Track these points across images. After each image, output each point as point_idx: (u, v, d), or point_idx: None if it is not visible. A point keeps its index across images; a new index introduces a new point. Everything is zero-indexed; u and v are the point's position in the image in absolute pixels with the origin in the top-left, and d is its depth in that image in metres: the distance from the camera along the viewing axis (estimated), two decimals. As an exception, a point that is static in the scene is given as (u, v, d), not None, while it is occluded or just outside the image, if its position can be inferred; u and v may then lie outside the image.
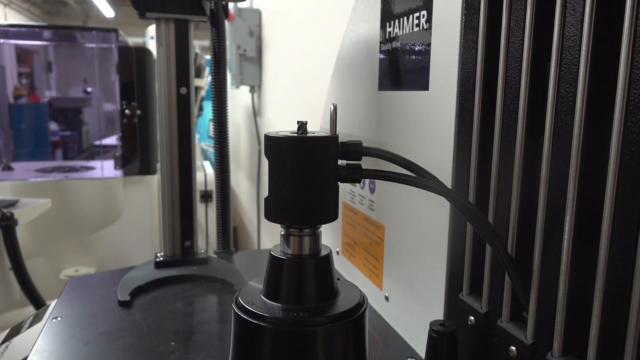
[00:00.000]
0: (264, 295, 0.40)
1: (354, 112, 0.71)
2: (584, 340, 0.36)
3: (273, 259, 0.40)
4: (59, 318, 0.64)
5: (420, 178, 0.38)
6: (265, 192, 2.09)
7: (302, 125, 0.38)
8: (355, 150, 0.39)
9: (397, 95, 0.59)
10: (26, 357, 0.56)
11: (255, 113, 2.24)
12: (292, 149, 0.37)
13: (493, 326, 0.44)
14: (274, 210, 0.39)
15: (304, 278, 0.39)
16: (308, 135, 0.38)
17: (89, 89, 1.81)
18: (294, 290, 0.39)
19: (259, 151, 2.14)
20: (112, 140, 1.77)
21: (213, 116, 0.90)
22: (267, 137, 0.38)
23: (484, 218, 0.38)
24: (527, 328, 0.40)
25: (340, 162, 0.39)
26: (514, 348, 0.41)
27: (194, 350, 0.56)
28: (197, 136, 1.83)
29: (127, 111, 1.64)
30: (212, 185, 1.90)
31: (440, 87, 0.51)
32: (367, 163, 0.42)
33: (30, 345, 0.62)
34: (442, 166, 0.51)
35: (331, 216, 0.39)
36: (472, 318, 0.46)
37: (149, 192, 1.76)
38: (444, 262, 0.51)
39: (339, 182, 0.39)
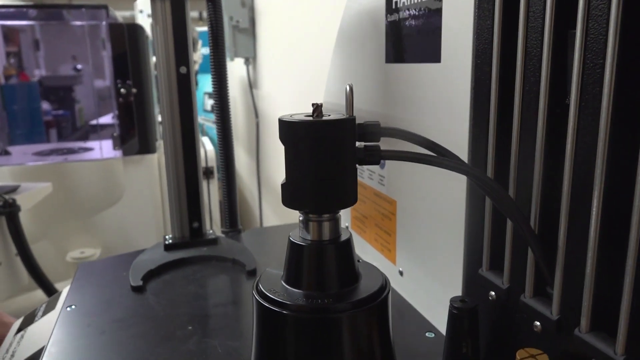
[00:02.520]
0: (284, 282, 0.40)
1: (360, 86, 0.69)
2: (612, 314, 0.35)
3: (293, 246, 0.39)
4: (73, 307, 0.63)
5: (441, 157, 0.37)
6: (265, 165, 2.08)
7: (317, 108, 0.37)
8: (373, 131, 0.38)
9: (406, 68, 0.57)
10: (43, 348, 0.56)
11: (252, 85, 2.21)
12: (309, 134, 0.36)
13: (516, 302, 0.43)
14: (291, 196, 0.38)
15: (325, 264, 0.38)
16: (324, 119, 0.36)
17: (79, 66, 1.77)
18: (315, 277, 0.38)
19: (257, 123, 2.12)
20: (107, 119, 1.74)
21: (214, 92, 0.88)
22: (281, 121, 0.37)
23: (508, 197, 0.37)
24: (553, 304, 0.39)
25: (357, 143, 0.38)
26: (538, 323, 0.41)
27: (212, 333, 0.56)
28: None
29: (122, 90, 1.61)
30: (212, 162, 1.89)
31: (453, 60, 0.49)
32: (383, 142, 0.40)
33: (45, 334, 0.61)
34: (456, 141, 0.49)
35: (351, 200, 0.38)
36: (493, 293, 0.46)
37: (149, 171, 1.74)
38: (461, 237, 0.51)
39: (357, 165, 0.38)
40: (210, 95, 2.70)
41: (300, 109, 1.61)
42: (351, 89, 0.37)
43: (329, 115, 0.37)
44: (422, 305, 0.60)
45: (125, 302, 0.64)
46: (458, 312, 0.46)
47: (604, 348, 0.35)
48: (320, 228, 0.39)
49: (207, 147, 2.03)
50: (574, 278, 0.38)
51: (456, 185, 0.51)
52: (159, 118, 1.81)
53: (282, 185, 0.38)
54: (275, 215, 1.96)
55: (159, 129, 1.78)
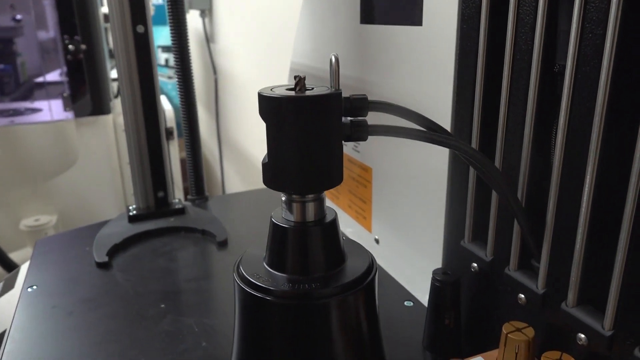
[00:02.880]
0: (267, 265, 0.38)
1: (332, 47, 0.66)
2: (601, 288, 0.35)
3: (275, 227, 0.37)
4: (34, 287, 0.60)
5: (432, 133, 0.35)
6: (225, 124, 2.02)
7: (300, 81, 0.34)
8: (360, 106, 0.35)
9: (383, 30, 0.55)
10: (5, 333, 0.52)
11: (208, 39, 2.12)
12: (293, 110, 0.33)
13: (499, 274, 0.43)
14: (274, 177, 0.35)
15: (310, 247, 0.37)
16: (309, 93, 0.33)
17: (19, 17, 1.64)
18: (300, 260, 0.37)
19: (215, 80, 2.05)
20: (55, 76, 1.64)
21: (174, 48, 0.84)
22: (262, 96, 0.34)
23: (497, 173, 0.36)
24: (539, 277, 0.39)
25: (344, 119, 0.35)
26: (523, 296, 0.41)
27: (187, 311, 0.54)
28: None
29: (70, 46, 1.51)
30: (171, 122, 1.82)
31: (436, 23, 0.47)
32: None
33: (5, 317, 0.58)
34: (438, 109, 0.48)
35: (337, 179, 0.36)
36: (476, 265, 0.46)
37: (104, 133, 1.67)
38: (442, 207, 0.50)
39: (343, 142, 0.36)
40: (164, 49, 2.58)
41: (264, 67, 1.55)
42: (337, 59, 0.34)
43: (313, 89, 0.35)
44: (400, 274, 0.60)
45: (91, 280, 0.62)
46: (440, 285, 0.45)
47: (591, 323, 0.35)
48: (304, 209, 0.37)
49: (165, 107, 1.95)
50: (561, 251, 0.37)
51: (437, 152, 0.50)
52: (113, 74, 1.72)
53: (264, 164, 0.35)
54: (238, 175, 1.92)
55: (113, 87, 1.70)
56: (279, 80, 1.13)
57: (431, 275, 0.46)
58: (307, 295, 0.35)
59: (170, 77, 2.53)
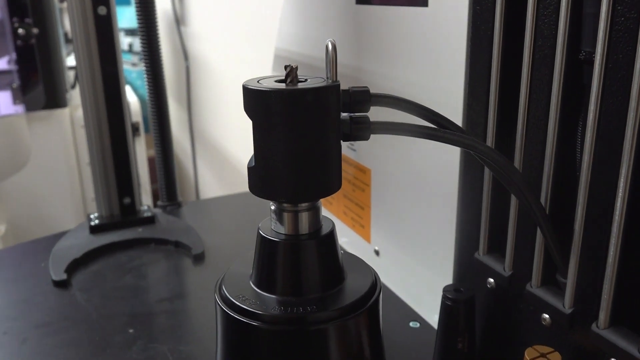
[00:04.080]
0: (254, 284, 0.37)
1: (322, 31, 0.66)
2: (634, 306, 0.35)
3: (264, 242, 0.37)
4: (-19, 310, 0.59)
5: (442, 130, 0.35)
6: (198, 117, 2.01)
7: (291, 71, 0.34)
8: (361, 99, 0.35)
9: (383, 12, 0.54)
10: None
11: (179, 21, 2.10)
12: (284, 105, 0.33)
13: (519, 291, 0.43)
14: (262, 182, 0.35)
15: (304, 264, 0.36)
16: (302, 86, 0.33)
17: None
18: (292, 279, 0.36)
19: (187, 67, 2.04)
20: (2, 64, 1.62)
21: (139, 30, 0.84)
22: (247, 90, 0.33)
23: (518, 174, 0.36)
24: (565, 294, 0.39)
25: (342, 115, 0.35)
26: (547, 316, 0.41)
27: (159, 336, 0.54)
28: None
29: (20, 30, 1.49)
30: (136, 116, 1.80)
31: (444, 3, 0.46)
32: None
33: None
34: (448, 102, 0.47)
35: (335, 185, 0.35)
36: (492, 281, 0.45)
37: (60, 129, 1.64)
38: (453, 214, 0.49)
39: (341, 141, 0.35)
40: (127, 32, 2.56)
41: (244, 53, 1.55)
42: (334, 46, 0.34)
43: (306, 81, 0.34)
44: (404, 291, 0.59)
45: (47, 301, 0.61)
46: (452, 304, 0.45)
47: (626, 346, 0.35)
48: (297, 220, 0.36)
49: (129, 99, 1.94)
50: (591, 264, 0.37)
51: (447, 152, 0.49)
52: (70, 62, 1.70)
53: (250, 168, 0.35)
54: (214, 177, 1.91)
55: (70, 76, 1.68)
56: (261, 69, 1.12)
57: (441, 293, 0.45)
58: (301, 320, 0.35)
59: (134, 64, 2.51)
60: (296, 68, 0.34)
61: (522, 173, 0.41)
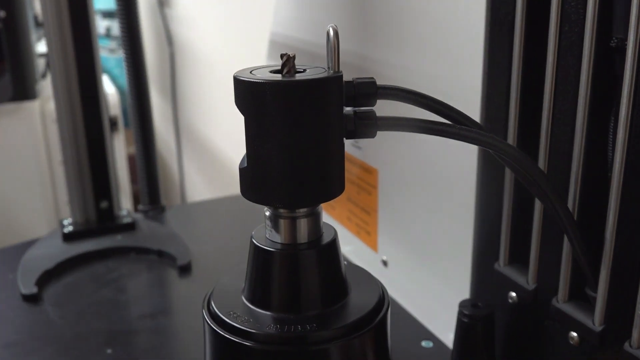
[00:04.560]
0: (246, 300, 0.38)
1: (324, 13, 0.66)
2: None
3: (258, 252, 0.37)
4: (-59, 328, 0.59)
5: (458, 127, 0.35)
6: (184, 109, 2.02)
7: (288, 60, 0.34)
8: (366, 92, 0.35)
9: (391, -8, 0.55)
10: None
11: (162, 3, 2.11)
12: (280, 99, 0.33)
13: (545, 306, 0.43)
14: (255, 185, 0.35)
15: (302, 276, 0.37)
16: (301, 77, 0.33)
17: None
18: (290, 294, 0.37)
19: (171, 54, 2.04)
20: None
21: (118, 12, 0.85)
22: (239, 81, 0.34)
23: (541, 173, 0.36)
24: (595, 310, 0.39)
25: (345, 109, 0.35)
26: (574, 334, 0.41)
27: (141, 357, 0.54)
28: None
29: (-17, 12, 1.49)
30: (115, 109, 1.81)
31: (460, -16, 0.47)
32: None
33: None
34: (463, 95, 0.48)
35: (337, 189, 0.36)
36: (514, 295, 0.46)
37: (29, 123, 1.65)
38: (470, 219, 0.50)
39: (344, 139, 0.36)
40: (105, 14, 2.56)
41: (235, 38, 1.55)
42: (336, 32, 0.34)
43: (305, 71, 0.35)
44: (415, 306, 0.60)
45: (16, 317, 0.61)
46: (469, 321, 0.45)
47: (664, 368, 0.35)
48: (295, 227, 0.37)
49: (107, 90, 1.95)
50: (625, 277, 0.37)
51: (463, 151, 0.50)
52: (40, 48, 1.71)
53: (242, 170, 0.35)
54: (202, 178, 1.92)
55: (40, 64, 1.68)
56: (256, 56, 1.12)
57: (457, 308, 0.46)
58: (300, 340, 0.35)
59: (112, 51, 2.52)
60: (293, 57, 0.34)
61: (547, 174, 0.41)
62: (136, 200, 2.03)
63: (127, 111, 0.92)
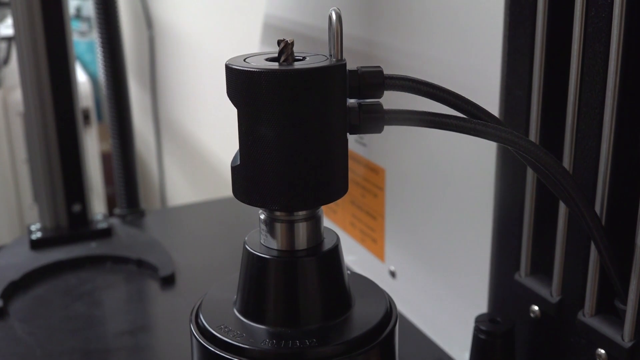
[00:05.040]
0: (239, 312, 0.38)
1: (325, -6, 0.67)
2: None
3: (251, 258, 0.38)
4: None
5: (474, 121, 0.36)
6: (164, 100, 2.02)
7: (286, 47, 0.35)
8: (373, 82, 0.36)
9: (400, -29, 0.56)
10: None
11: (141, -20, 2.12)
12: (277, 90, 0.34)
13: (570, 321, 0.44)
14: (249, 185, 0.36)
15: (301, 287, 0.37)
16: (300, 66, 0.34)
17: None
18: (287, 306, 0.37)
19: (150, 38, 2.04)
20: None
21: None
22: (232, 70, 0.35)
23: (569, 176, 0.37)
24: (625, 325, 0.40)
25: (349, 102, 0.36)
26: (602, 351, 0.42)
27: (119, 379, 0.55)
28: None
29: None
30: (87, 100, 1.81)
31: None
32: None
33: None
34: (479, 87, 0.48)
35: (339, 189, 0.36)
36: (537, 308, 0.46)
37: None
38: (487, 226, 0.51)
39: (348, 134, 0.36)
40: (76, -7, 2.57)
41: (224, 21, 1.55)
42: (338, 16, 0.35)
43: (304, 59, 0.35)
44: (427, 321, 0.60)
45: (-22, 334, 0.62)
46: (487, 337, 0.46)
47: (700, 388, 0.36)
48: (293, 232, 0.37)
49: (79, 78, 1.95)
50: (658, 289, 0.38)
51: (480, 148, 0.50)
52: (3, 30, 1.71)
53: (234, 168, 0.36)
54: (186, 179, 1.92)
55: (1, 49, 1.69)
56: (248, 42, 1.13)
57: (473, 324, 0.46)
58: (298, 357, 0.35)
59: (83, 34, 2.52)
60: (292, 43, 0.35)
61: (573, 174, 0.42)
62: (110, 203, 2.04)
63: (100, 102, 0.93)
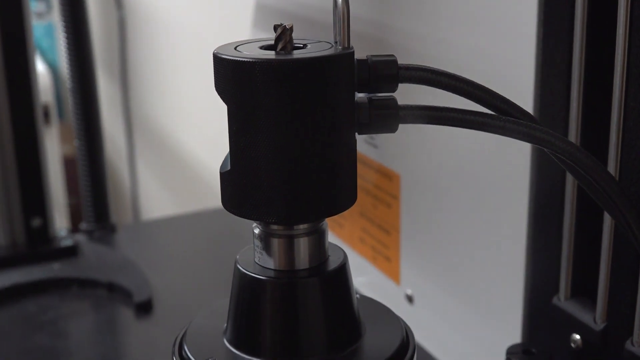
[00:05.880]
0: (230, 343, 0.39)
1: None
2: None
3: (244, 280, 0.38)
4: None
5: (504, 118, 0.37)
6: (136, 93, 2.02)
7: (283, 33, 0.35)
8: (385, 74, 0.36)
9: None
10: None
11: (109, -47, 2.12)
12: (273, 83, 0.34)
13: (617, 351, 0.44)
14: (241, 194, 0.36)
15: (302, 313, 0.38)
16: (300, 55, 0.35)
17: None
18: (286, 336, 0.38)
19: (120, 19, 2.05)
20: None
21: None
22: (220, 59, 0.35)
23: (614, 183, 0.38)
24: (683, 356, 0.41)
25: (358, 96, 0.37)
26: (655, 387, 0.42)
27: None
28: None
29: None
30: (47, 95, 1.82)
31: None
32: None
33: None
34: (512, 81, 0.49)
35: (347, 199, 0.37)
36: (578, 337, 0.47)
37: None
38: (520, 243, 0.51)
39: (356, 134, 0.37)
40: (31, -31, 2.58)
41: (211, 2, 1.55)
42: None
43: (305, 47, 0.36)
44: (448, 351, 0.61)
45: None
46: (521, 373, 0.47)
47: None
48: (293, 249, 0.38)
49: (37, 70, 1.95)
50: None
51: (512, 151, 0.51)
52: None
53: (224, 174, 0.37)
54: (161, 186, 1.92)
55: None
56: (237, 26, 1.14)
57: (504, 356, 0.47)
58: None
59: (40, 15, 2.52)
60: (290, 28, 0.35)
61: (619, 180, 0.42)
62: (75, 217, 2.03)
63: (61, 98, 0.93)
